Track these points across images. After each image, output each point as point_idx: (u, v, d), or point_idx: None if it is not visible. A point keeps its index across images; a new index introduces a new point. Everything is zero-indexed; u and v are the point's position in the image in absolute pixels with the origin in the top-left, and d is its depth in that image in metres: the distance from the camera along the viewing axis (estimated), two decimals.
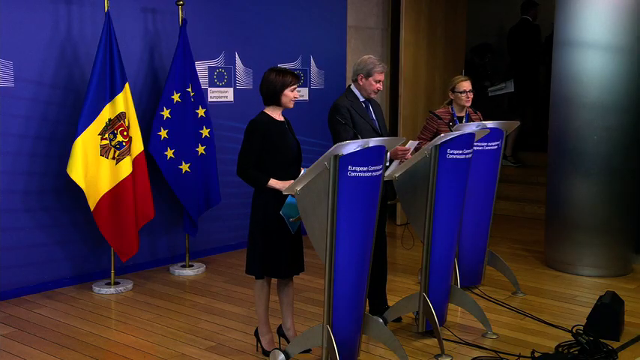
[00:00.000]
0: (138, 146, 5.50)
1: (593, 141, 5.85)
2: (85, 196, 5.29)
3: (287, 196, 3.83)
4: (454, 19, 8.50)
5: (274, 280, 4.26)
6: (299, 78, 4.05)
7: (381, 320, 4.33)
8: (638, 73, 5.84)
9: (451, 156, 4.26)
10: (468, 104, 5.35)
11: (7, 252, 5.29)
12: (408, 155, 4.52)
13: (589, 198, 5.92)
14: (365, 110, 4.58)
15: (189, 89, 5.85)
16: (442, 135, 4.27)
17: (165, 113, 5.77)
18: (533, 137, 9.58)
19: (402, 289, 5.57)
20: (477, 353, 4.29)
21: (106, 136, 5.32)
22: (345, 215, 3.59)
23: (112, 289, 5.51)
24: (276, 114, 4.05)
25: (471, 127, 4.66)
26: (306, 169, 3.80)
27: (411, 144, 4.60)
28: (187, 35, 5.83)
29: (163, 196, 6.12)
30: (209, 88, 6.53)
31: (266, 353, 4.18)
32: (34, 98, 5.36)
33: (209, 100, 6.49)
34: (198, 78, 5.96)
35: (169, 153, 5.82)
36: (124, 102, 5.38)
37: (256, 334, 4.30)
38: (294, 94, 4.03)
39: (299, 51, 7.32)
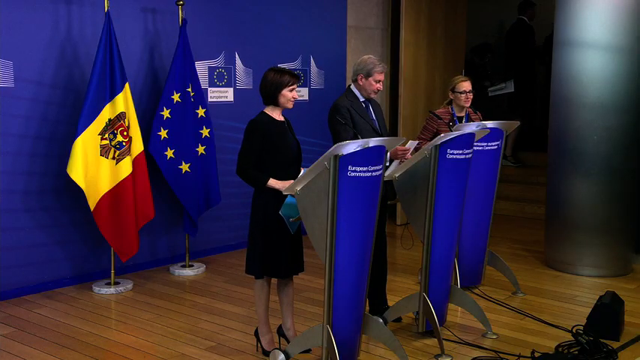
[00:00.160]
0: (138, 146, 5.50)
1: (593, 141, 5.85)
2: (85, 196, 5.29)
3: (287, 196, 3.83)
4: (454, 19, 8.50)
5: (274, 280, 4.26)
6: (298, 78, 4.04)
7: (381, 320, 4.33)
8: (638, 73, 5.84)
9: (451, 156, 4.26)
10: (468, 105, 5.35)
11: (7, 252, 5.29)
12: (408, 155, 4.52)
13: (589, 198, 5.92)
14: (365, 110, 4.58)
15: (189, 89, 5.85)
16: (442, 135, 4.27)
17: (165, 113, 5.77)
18: (529, 136, 9.59)
19: (402, 289, 5.57)
20: (477, 353, 4.29)
21: (106, 136, 5.32)
22: (345, 215, 3.59)
23: (112, 289, 5.51)
24: (275, 114, 4.05)
25: (471, 127, 4.66)
26: (305, 169, 3.81)
27: (411, 144, 4.60)
28: (187, 35, 5.83)
29: (163, 196, 6.12)
30: (209, 88, 6.53)
31: (266, 353, 4.18)
32: (34, 98, 5.36)
33: (209, 100, 6.49)
34: (198, 78, 5.96)
35: (169, 153, 5.81)
36: (124, 102, 5.38)
37: (256, 334, 4.30)
38: (293, 94, 4.02)
39: (299, 51, 7.32)
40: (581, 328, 4.37)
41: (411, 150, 4.56)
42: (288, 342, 4.15)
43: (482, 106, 6.05)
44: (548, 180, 6.25)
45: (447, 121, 5.27)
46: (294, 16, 7.24)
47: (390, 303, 4.78)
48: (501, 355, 4.24)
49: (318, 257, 3.65)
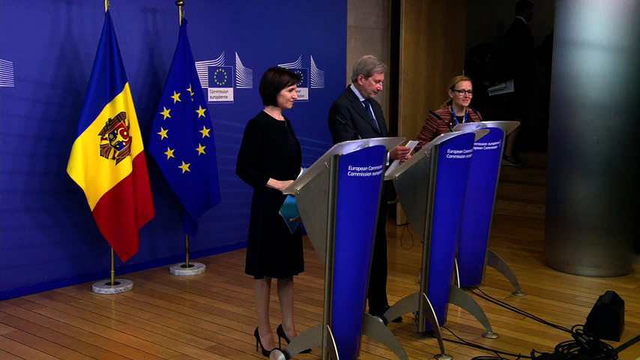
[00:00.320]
0: (138, 146, 5.50)
1: (593, 141, 5.85)
2: (85, 196, 5.29)
3: (286, 196, 3.83)
4: (454, 19, 8.50)
5: (274, 280, 4.26)
6: (298, 78, 4.03)
7: (381, 320, 4.33)
8: (638, 73, 5.84)
9: (451, 156, 4.26)
10: (466, 104, 5.35)
11: (7, 252, 5.29)
12: (408, 155, 4.52)
13: (589, 198, 5.92)
14: (365, 110, 4.58)
15: (189, 89, 5.85)
16: (442, 135, 4.27)
17: (165, 113, 5.77)
18: (528, 136, 9.61)
19: (402, 289, 5.57)
20: (477, 353, 4.29)
21: (106, 136, 5.32)
22: (345, 215, 3.58)
23: (112, 289, 5.51)
24: (275, 114, 4.05)
25: (470, 127, 4.66)
26: (305, 169, 3.81)
27: (411, 144, 4.60)
28: (187, 35, 5.83)
29: (163, 196, 6.12)
30: (209, 88, 6.53)
31: (266, 353, 4.18)
32: (34, 98, 5.36)
33: (209, 100, 6.49)
34: (198, 78, 5.96)
35: (169, 153, 5.81)
36: (124, 102, 5.38)
37: (256, 334, 4.30)
38: (292, 94, 4.01)
39: (299, 51, 7.32)
40: (581, 328, 4.37)
41: (411, 150, 4.57)
42: (288, 342, 4.15)
43: (483, 106, 6.06)
44: (548, 180, 6.25)
45: (446, 121, 5.27)
46: (294, 16, 7.24)
47: (390, 303, 4.79)
48: (501, 355, 4.24)
49: (318, 257, 3.65)
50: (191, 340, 4.53)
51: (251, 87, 6.79)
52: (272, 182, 3.92)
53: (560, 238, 6.09)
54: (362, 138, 4.11)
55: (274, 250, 4.00)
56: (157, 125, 5.76)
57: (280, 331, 4.30)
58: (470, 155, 4.39)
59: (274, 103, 4.02)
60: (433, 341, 4.43)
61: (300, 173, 3.87)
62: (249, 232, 4.10)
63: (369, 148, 3.61)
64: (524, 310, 5.07)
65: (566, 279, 5.91)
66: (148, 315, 5.00)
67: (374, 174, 3.65)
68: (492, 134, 5.05)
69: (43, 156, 5.44)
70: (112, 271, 5.62)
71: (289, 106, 4.03)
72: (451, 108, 5.42)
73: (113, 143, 5.35)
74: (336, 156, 3.51)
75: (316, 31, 7.48)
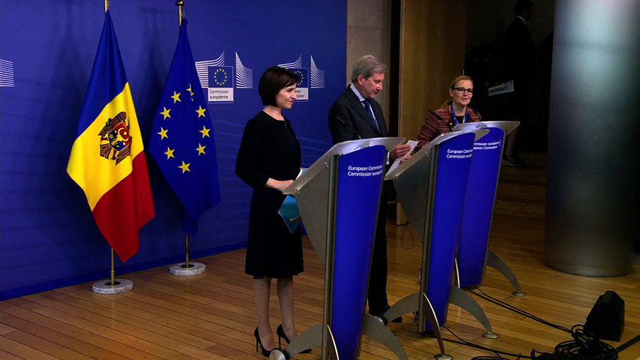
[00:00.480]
0: (138, 146, 5.50)
1: (593, 141, 5.85)
2: (85, 196, 5.29)
3: (286, 196, 3.83)
4: (454, 19, 8.50)
5: (274, 280, 4.26)
6: (297, 78, 4.03)
7: (381, 320, 4.33)
8: (638, 73, 5.84)
9: (451, 156, 4.26)
10: (465, 103, 5.36)
11: (7, 252, 5.29)
12: (408, 155, 4.52)
13: (589, 198, 5.92)
14: (365, 110, 4.58)
15: (189, 89, 5.85)
16: (442, 135, 4.27)
17: (165, 113, 5.77)
18: (526, 136, 9.62)
19: (402, 289, 5.57)
20: (477, 353, 4.29)
21: (106, 136, 5.32)
22: (345, 215, 3.58)
23: (112, 289, 5.51)
24: (275, 114, 4.05)
25: (470, 127, 4.66)
26: (305, 169, 3.80)
27: (411, 144, 4.60)
28: (187, 35, 5.83)
29: (163, 196, 6.12)
30: (209, 88, 6.53)
31: (266, 353, 4.18)
32: (34, 98, 5.36)
33: (209, 100, 6.49)
34: (198, 78, 5.96)
35: (169, 153, 5.81)
36: (124, 102, 5.38)
37: (256, 334, 4.30)
38: (292, 94, 4.00)
39: (299, 51, 7.32)
40: (581, 328, 4.37)
41: (411, 150, 4.56)
42: (288, 342, 4.15)
43: (483, 106, 6.06)
44: (548, 180, 6.25)
45: (446, 121, 5.27)
46: (294, 16, 7.24)
47: (390, 303, 4.79)
48: (501, 355, 4.24)
49: (318, 257, 3.65)
50: (191, 340, 4.53)
51: (251, 87, 6.79)
52: (271, 182, 3.92)
53: (560, 238, 6.09)
54: (362, 138, 4.11)
55: (274, 250, 4.00)
56: (157, 125, 5.76)
57: (280, 331, 4.30)
58: (470, 155, 4.39)
59: (273, 103, 4.02)
60: (433, 341, 4.43)
61: (300, 173, 3.87)
62: (248, 232, 4.09)
63: (369, 148, 3.61)
64: (524, 310, 5.07)
65: (566, 279, 5.91)
66: (148, 315, 5.00)
67: (374, 174, 3.65)
68: (492, 134, 5.05)
69: (43, 156, 5.44)
70: (112, 271, 5.62)
71: (288, 106, 4.03)
72: (451, 108, 5.42)
73: (113, 143, 5.35)
74: (336, 156, 3.51)
75: (316, 31, 7.48)
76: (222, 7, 6.58)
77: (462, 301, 4.63)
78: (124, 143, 5.38)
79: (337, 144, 3.52)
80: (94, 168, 5.28)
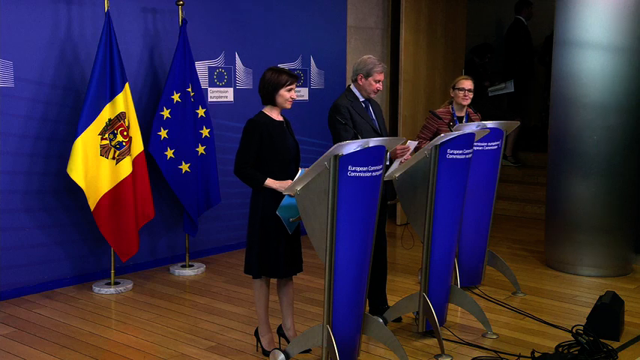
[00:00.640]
0: (138, 146, 5.50)
1: (593, 141, 5.85)
2: (85, 196, 5.29)
3: (285, 196, 3.83)
4: (454, 19, 8.50)
5: (274, 280, 4.26)
6: (296, 77, 4.02)
7: (381, 320, 4.33)
8: (638, 73, 5.84)
9: (451, 156, 4.26)
10: (465, 103, 5.36)
11: (7, 252, 5.29)
12: (408, 155, 4.52)
13: (589, 198, 5.92)
14: (365, 110, 4.58)
15: (189, 89, 5.85)
16: (442, 135, 4.27)
17: (165, 113, 5.77)
18: (526, 136, 9.62)
19: (402, 289, 5.57)
20: (477, 353, 4.29)
21: (106, 136, 5.32)
22: (345, 215, 3.58)
23: (112, 289, 5.51)
24: (274, 114, 4.04)
25: (470, 127, 4.66)
26: (304, 169, 3.80)
27: (411, 144, 4.60)
28: (187, 35, 5.83)
29: (163, 196, 6.12)
30: (209, 88, 6.53)
31: (266, 353, 4.18)
32: (34, 98, 5.36)
33: (209, 100, 6.49)
34: (198, 78, 5.96)
35: (169, 153, 5.81)
36: (124, 102, 5.38)
37: (256, 334, 4.29)
38: (291, 94, 4.00)
39: (299, 51, 7.32)
40: (581, 328, 4.37)
41: (411, 150, 4.57)
42: (288, 342, 4.15)
43: (482, 106, 6.06)
44: (548, 180, 6.25)
45: (447, 121, 5.27)
46: (294, 16, 7.24)
47: (390, 303, 4.79)
48: (501, 355, 4.24)
49: (318, 257, 3.65)
50: (191, 340, 4.53)
51: (251, 87, 6.79)
52: (270, 182, 3.91)
53: (560, 238, 6.09)
54: (362, 138, 4.11)
55: (272, 250, 4.00)
56: (157, 125, 5.76)
57: (280, 331, 4.30)
58: (470, 155, 4.39)
59: (273, 103, 4.01)
60: (433, 341, 4.43)
61: (299, 173, 3.87)
62: (247, 232, 4.09)
63: (369, 148, 3.61)
64: (524, 310, 5.07)
65: (566, 279, 5.91)
66: (148, 315, 5.00)
67: (374, 174, 3.65)
68: (492, 134, 5.05)
69: (43, 156, 5.44)
70: (112, 271, 5.61)
71: (288, 106, 4.03)
72: (452, 107, 5.42)
73: (113, 143, 5.35)
74: (336, 156, 3.51)
75: (316, 31, 7.48)
76: (222, 7, 6.58)
77: (462, 301, 4.63)
78: (124, 143, 5.38)
79: (337, 144, 3.52)
80: (94, 168, 5.28)
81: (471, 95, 5.37)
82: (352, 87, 4.61)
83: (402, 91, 7.82)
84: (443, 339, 4.29)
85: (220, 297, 5.42)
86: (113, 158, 5.35)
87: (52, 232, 5.54)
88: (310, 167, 3.59)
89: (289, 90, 3.98)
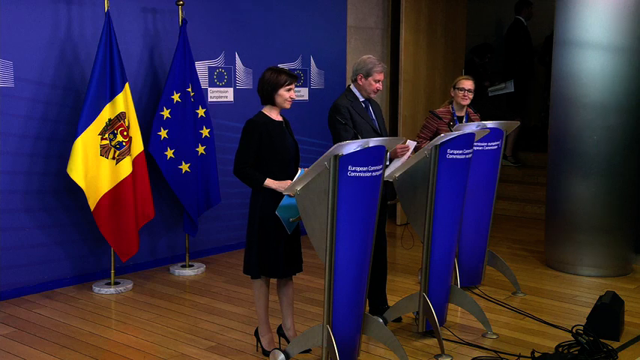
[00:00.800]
0: (138, 146, 5.50)
1: (593, 141, 5.85)
2: (85, 196, 5.29)
3: (284, 196, 3.83)
4: (454, 19, 8.50)
5: (274, 280, 4.25)
6: (296, 77, 4.02)
7: (381, 320, 4.33)
8: (638, 73, 5.84)
9: (451, 156, 4.26)
10: (465, 103, 5.36)
11: (7, 252, 5.29)
12: (408, 154, 4.52)
13: (589, 198, 5.92)
14: (365, 110, 4.58)
15: (189, 89, 5.85)
16: (442, 135, 4.27)
17: (165, 113, 5.77)
18: (526, 136, 9.61)
19: (402, 289, 5.57)
20: (477, 353, 4.29)
21: (106, 136, 5.32)
22: (345, 215, 3.58)
23: (112, 289, 5.51)
24: (273, 114, 4.04)
25: (470, 127, 4.66)
26: (303, 169, 3.80)
27: (410, 144, 4.60)
28: (187, 35, 5.83)
29: (163, 196, 6.12)
30: (209, 88, 6.53)
31: (266, 353, 4.18)
32: (34, 98, 5.36)
33: (209, 100, 6.49)
34: (198, 78, 5.96)
35: (169, 153, 5.81)
36: (124, 102, 5.38)
37: (256, 334, 4.30)
38: (290, 94, 4.00)
39: (299, 51, 7.32)
40: (581, 328, 4.37)
41: (411, 149, 4.56)
42: (288, 342, 4.15)
43: (483, 106, 6.06)
44: (548, 180, 6.25)
45: (447, 121, 5.27)
46: (294, 16, 7.24)
47: (390, 303, 4.78)
48: (501, 355, 4.24)
49: (318, 257, 3.65)
50: (191, 340, 4.53)
51: (251, 87, 6.80)
52: (269, 182, 3.91)
53: (560, 238, 6.09)
54: (362, 138, 4.11)
55: (272, 250, 4.00)
56: (157, 125, 5.76)
57: (280, 331, 4.30)
58: (470, 155, 4.39)
59: (272, 102, 4.01)
60: (433, 341, 4.43)
61: (298, 173, 3.87)
62: (246, 232, 4.09)
63: (369, 148, 3.61)
64: (524, 310, 5.07)
65: (566, 279, 5.91)
66: (148, 315, 5.00)
67: (374, 174, 3.65)
68: (492, 134, 5.05)
69: (43, 156, 5.44)
70: (112, 271, 5.61)
71: (287, 106, 4.02)
72: (452, 107, 5.42)
73: (113, 143, 5.35)
74: (336, 156, 3.51)
75: (316, 31, 7.48)
76: (222, 7, 6.58)
77: (462, 301, 4.63)
78: (124, 143, 5.38)
79: (337, 144, 3.52)
80: (94, 168, 5.28)
81: (471, 95, 5.37)
82: (352, 87, 4.61)
83: (402, 91, 7.82)
84: (443, 339, 4.29)
85: (220, 297, 5.42)
86: (113, 158, 5.35)
87: (52, 232, 5.54)
88: (310, 167, 3.59)
89: (288, 90, 3.98)
